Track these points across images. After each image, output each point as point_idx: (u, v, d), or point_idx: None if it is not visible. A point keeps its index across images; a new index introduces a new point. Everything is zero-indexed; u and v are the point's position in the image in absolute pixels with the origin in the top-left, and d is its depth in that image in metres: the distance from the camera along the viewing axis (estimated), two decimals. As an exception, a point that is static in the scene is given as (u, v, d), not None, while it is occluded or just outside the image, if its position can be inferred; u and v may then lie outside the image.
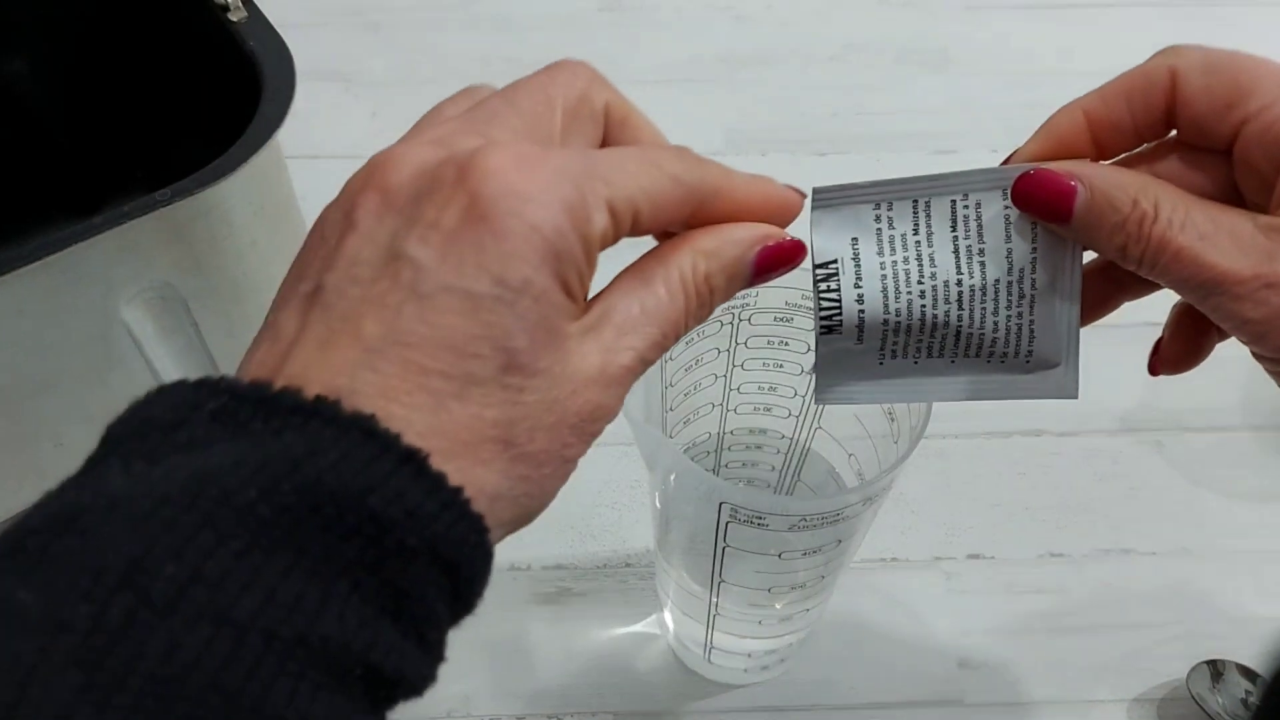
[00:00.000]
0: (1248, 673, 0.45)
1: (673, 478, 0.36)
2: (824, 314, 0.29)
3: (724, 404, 0.42)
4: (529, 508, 0.23)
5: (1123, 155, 0.30)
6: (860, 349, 0.30)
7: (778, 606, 0.40)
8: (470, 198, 0.21)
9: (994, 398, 0.30)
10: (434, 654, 0.21)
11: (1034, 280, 0.28)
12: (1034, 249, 0.28)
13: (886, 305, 0.29)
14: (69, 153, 0.57)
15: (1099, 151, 0.29)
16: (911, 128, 0.66)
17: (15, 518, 0.54)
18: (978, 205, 0.28)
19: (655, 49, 0.72)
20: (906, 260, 0.29)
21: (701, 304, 0.25)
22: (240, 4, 0.47)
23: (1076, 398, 0.28)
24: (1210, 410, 0.55)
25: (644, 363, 0.24)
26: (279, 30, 0.47)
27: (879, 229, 0.29)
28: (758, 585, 0.38)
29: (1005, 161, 0.30)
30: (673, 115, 0.75)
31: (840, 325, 0.29)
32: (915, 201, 0.28)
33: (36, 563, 0.18)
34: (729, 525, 0.35)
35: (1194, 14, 0.74)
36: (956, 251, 0.28)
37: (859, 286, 0.29)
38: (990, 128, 0.66)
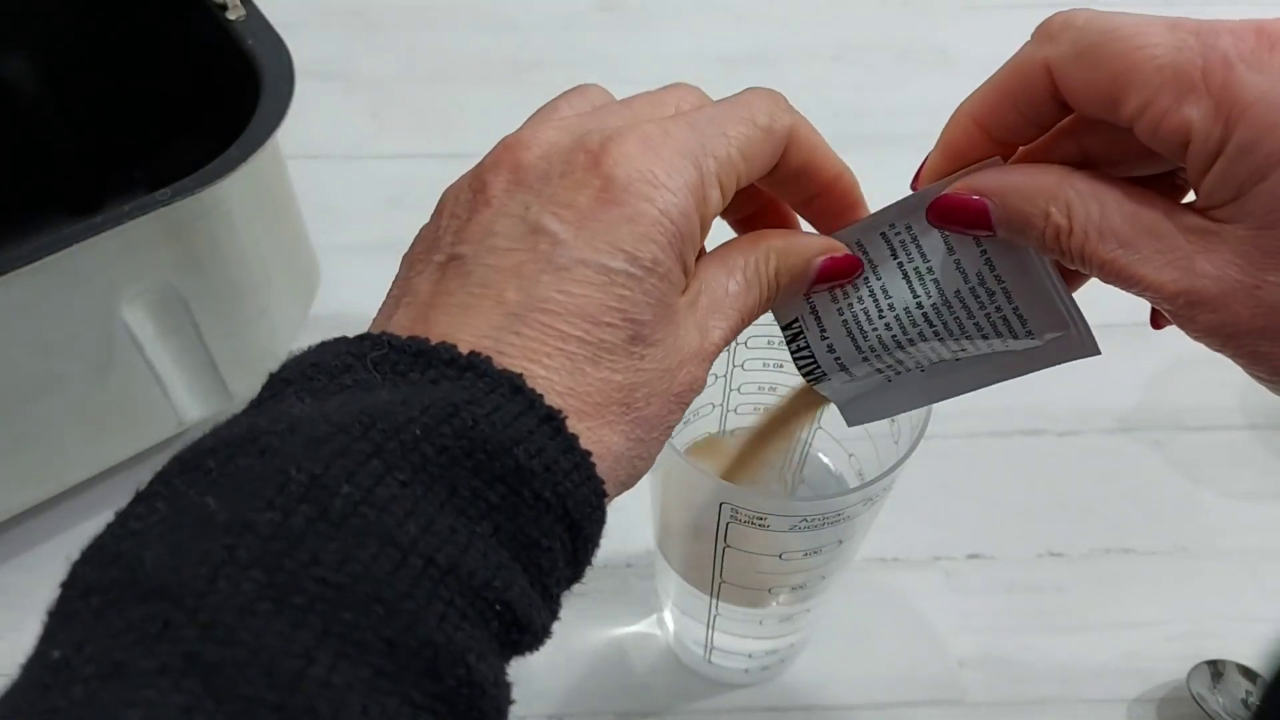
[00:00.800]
0: (1248, 673, 0.45)
1: (673, 478, 0.36)
2: (803, 369, 0.31)
3: (724, 404, 0.42)
4: (638, 469, 0.24)
5: (1044, 137, 0.28)
6: (860, 381, 0.31)
7: (778, 606, 0.40)
8: (604, 181, 0.23)
9: (1017, 375, 0.29)
10: (553, 608, 0.23)
11: (998, 275, 0.28)
12: (982, 250, 0.27)
13: (858, 346, 0.29)
14: (69, 153, 0.57)
15: (1004, 149, 0.28)
16: (911, 128, 0.66)
17: (15, 518, 0.53)
18: (908, 229, 0.28)
19: (655, 49, 0.72)
20: (861, 299, 0.29)
21: (769, 297, 0.27)
22: (239, 3, 0.47)
23: (1100, 353, 0.27)
24: (1209, 409, 0.55)
25: (726, 342, 0.26)
26: (278, 30, 0.47)
27: None
28: (758, 585, 0.38)
29: (915, 175, 0.29)
30: (672, 115, 0.74)
31: (824, 374, 0.30)
32: (849, 246, 0.29)
33: (218, 476, 0.20)
34: (729, 525, 0.35)
35: (1191, 13, 0.74)
36: (906, 277, 0.28)
37: (825, 337, 0.30)
38: (990, 127, 0.66)
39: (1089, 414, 0.55)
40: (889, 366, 0.30)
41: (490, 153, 0.25)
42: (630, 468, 0.24)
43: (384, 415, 0.20)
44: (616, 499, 0.25)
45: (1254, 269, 0.24)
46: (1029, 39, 0.26)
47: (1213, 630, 0.48)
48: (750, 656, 0.45)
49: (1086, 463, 0.53)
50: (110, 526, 0.20)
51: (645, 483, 0.39)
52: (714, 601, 0.40)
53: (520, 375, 0.22)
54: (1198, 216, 0.24)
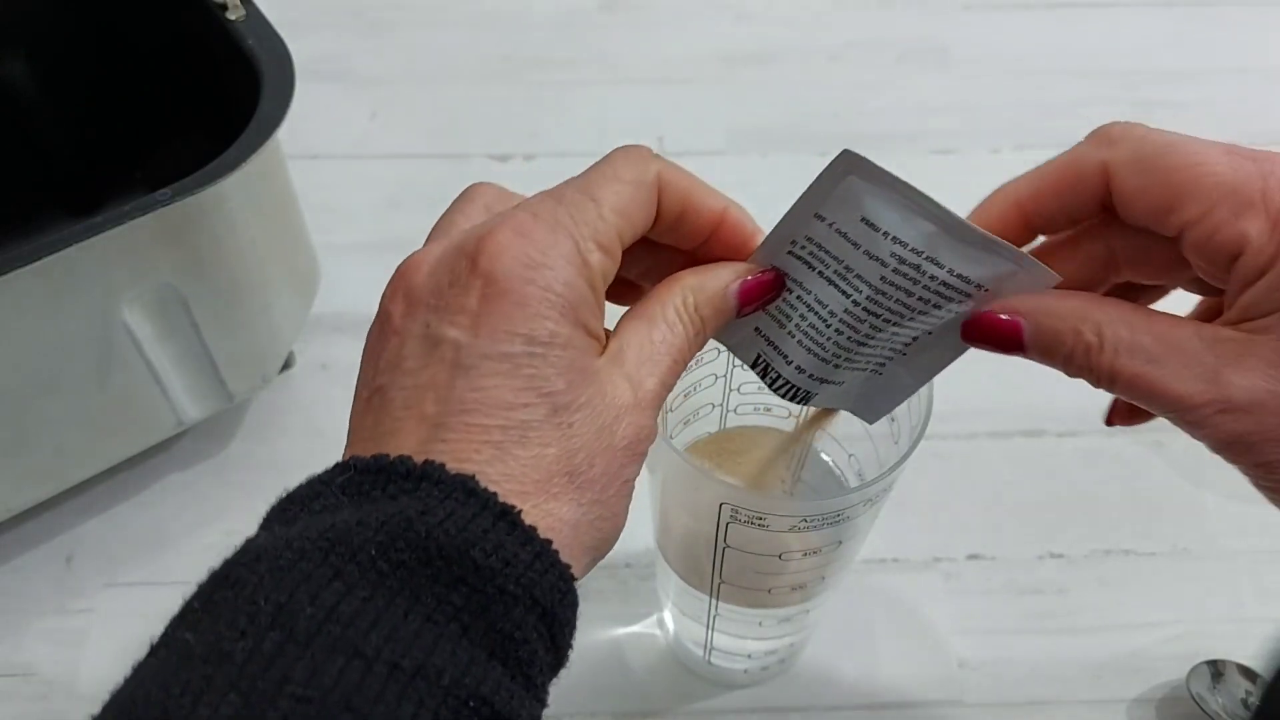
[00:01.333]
0: (1248, 673, 0.45)
1: (673, 478, 0.36)
2: (787, 395, 0.31)
3: (724, 404, 0.42)
4: (606, 531, 0.25)
5: (1069, 231, 0.29)
6: (848, 384, 0.31)
7: (778, 607, 0.40)
8: (485, 279, 0.24)
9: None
10: (539, 697, 0.23)
11: (914, 249, 0.27)
12: (884, 233, 0.27)
13: (822, 358, 0.30)
14: (68, 153, 0.57)
15: (1032, 236, 0.29)
16: (912, 127, 0.66)
17: (15, 518, 0.53)
18: (809, 239, 0.28)
19: (655, 48, 0.72)
20: (804, 315, 0.29)
21: (697, 332, 0.27)
22: (239, 3, 0.47)
23: (1059, 277, 0.28)
24: (1210, 410, 0.55)
25: (666, 387, 0.26)
26: (278, 29, 0.47)
27: (767, 308, 0.29)
28: (758, 586, 0.38)
29: None
30: (673, 115, 0.75)
31: (809, 392, 0.31)
32: None
33: (201, 615, 0.22)
34: (729, 525, 0.35)
35: (1191, 14, 0.74)
36: (831, 282, 0.28)
37: (790, 361, 0.30)
38: (990, 128, 0.66)
39: (1089, 414, 0.55)
40: (867, 361, 0.30)
41: (389, 283, 0.26)
42: (595, 531, 0.25)
43: (342, 538, 0.22)
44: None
45: None
46: (1084, 139, 0.28)
47: (1213, 630, 0.48)
48: (750, 657, 0.45)
49: (1086, 463, 0.53)
50: (125, 680, 0.22)
51: (645, 483, 0.39)
52: (713, 602, 0.40)
53: (473, 477, 0.23)
54: (1228, 329, 0.26)
